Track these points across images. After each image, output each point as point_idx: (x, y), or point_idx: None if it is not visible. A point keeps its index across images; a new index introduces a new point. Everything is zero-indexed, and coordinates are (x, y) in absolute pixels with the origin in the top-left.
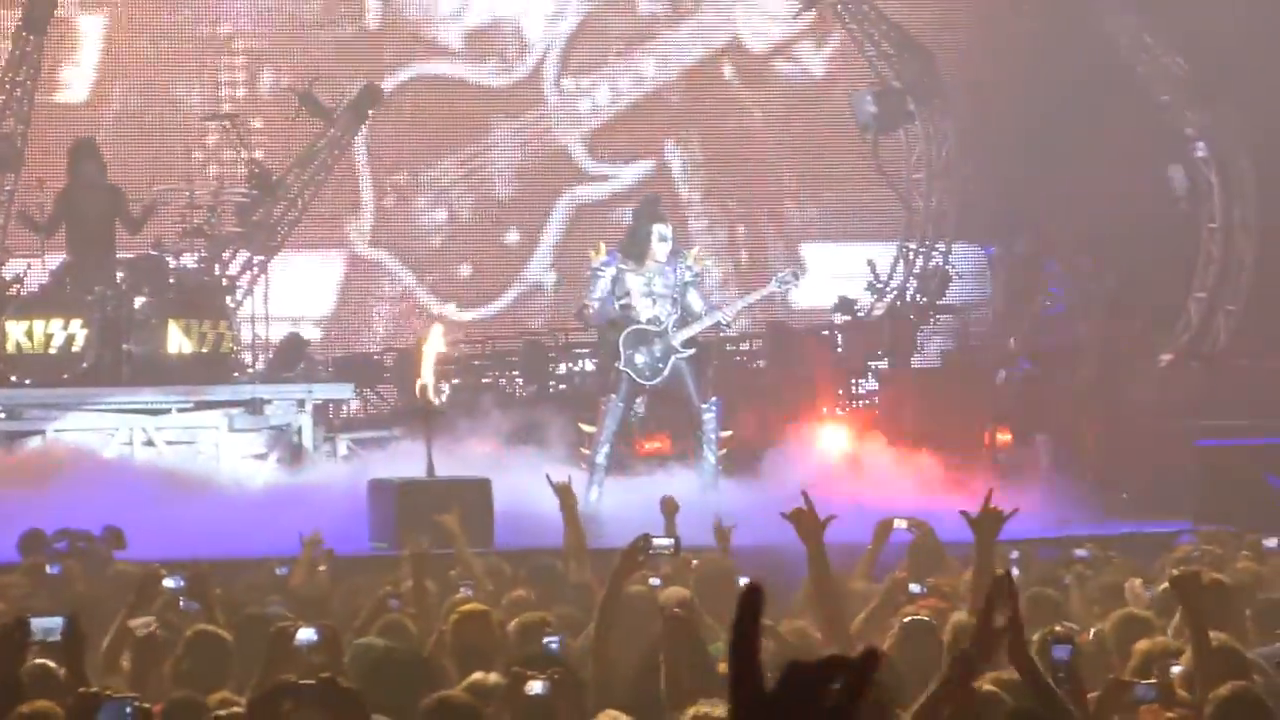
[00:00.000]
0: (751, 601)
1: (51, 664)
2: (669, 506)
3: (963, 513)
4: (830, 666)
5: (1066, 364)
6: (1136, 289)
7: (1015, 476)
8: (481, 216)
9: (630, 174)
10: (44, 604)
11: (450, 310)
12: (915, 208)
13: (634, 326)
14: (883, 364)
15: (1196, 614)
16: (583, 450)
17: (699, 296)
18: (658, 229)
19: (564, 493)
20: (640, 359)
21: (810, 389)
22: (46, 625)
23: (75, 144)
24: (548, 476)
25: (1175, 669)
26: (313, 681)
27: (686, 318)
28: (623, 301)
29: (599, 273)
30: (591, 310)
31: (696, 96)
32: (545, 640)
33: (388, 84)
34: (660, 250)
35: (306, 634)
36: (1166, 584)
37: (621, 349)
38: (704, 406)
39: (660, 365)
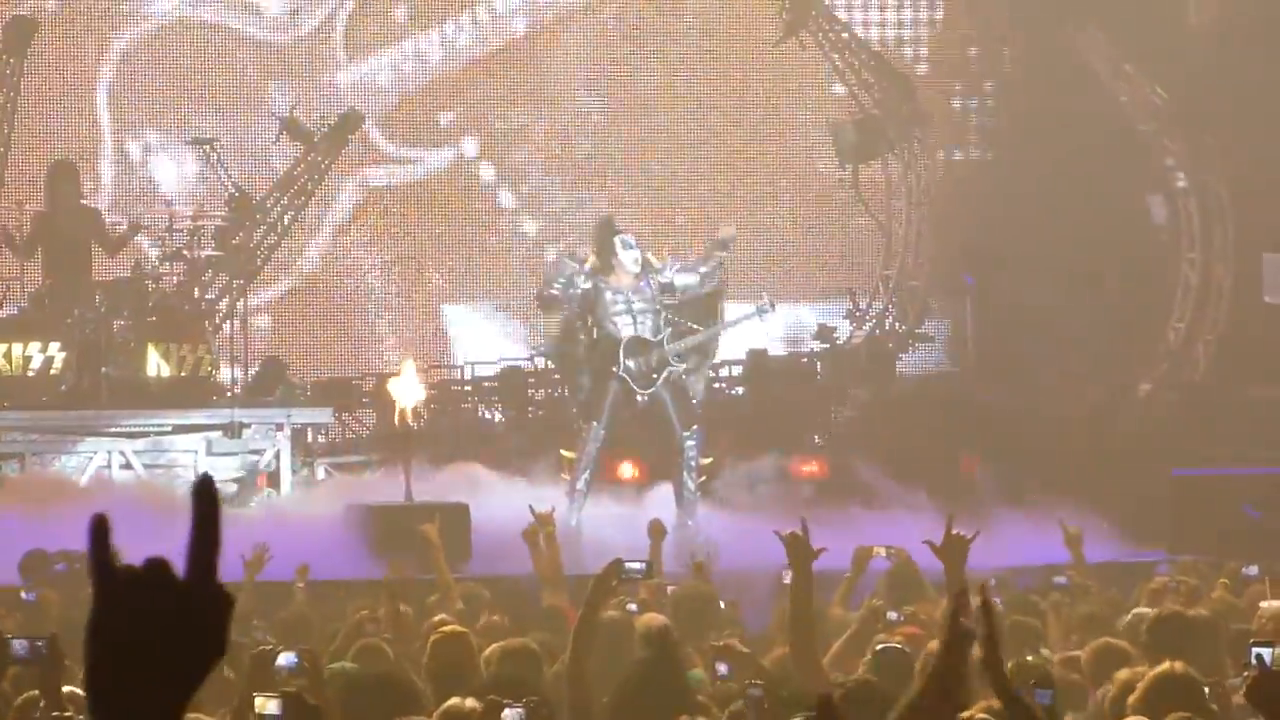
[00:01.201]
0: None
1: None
2: (657, 531)
3: (926, 541)
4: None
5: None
6: (1115, 318)
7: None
8: None
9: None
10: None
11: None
12: (894, 236)
13: (635, 334)
14: (861, 392)
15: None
16: (563, 476)
17: (688, 270)
18: (620, 239)
19: (543, 520)
20: (635, 366)
21: (790, 417)
22: (26, 646)
23: (53, 167)
24: (531, 507)
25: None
26: (277, 695)
27: (674, 333)
28: (604, 319)
29: (570, 271)
30: (554, 285)
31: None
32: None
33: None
34: (628, 259)
35: (287, 658)
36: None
37: (621, 356)
38: (686, 434)
39: (655, 375)
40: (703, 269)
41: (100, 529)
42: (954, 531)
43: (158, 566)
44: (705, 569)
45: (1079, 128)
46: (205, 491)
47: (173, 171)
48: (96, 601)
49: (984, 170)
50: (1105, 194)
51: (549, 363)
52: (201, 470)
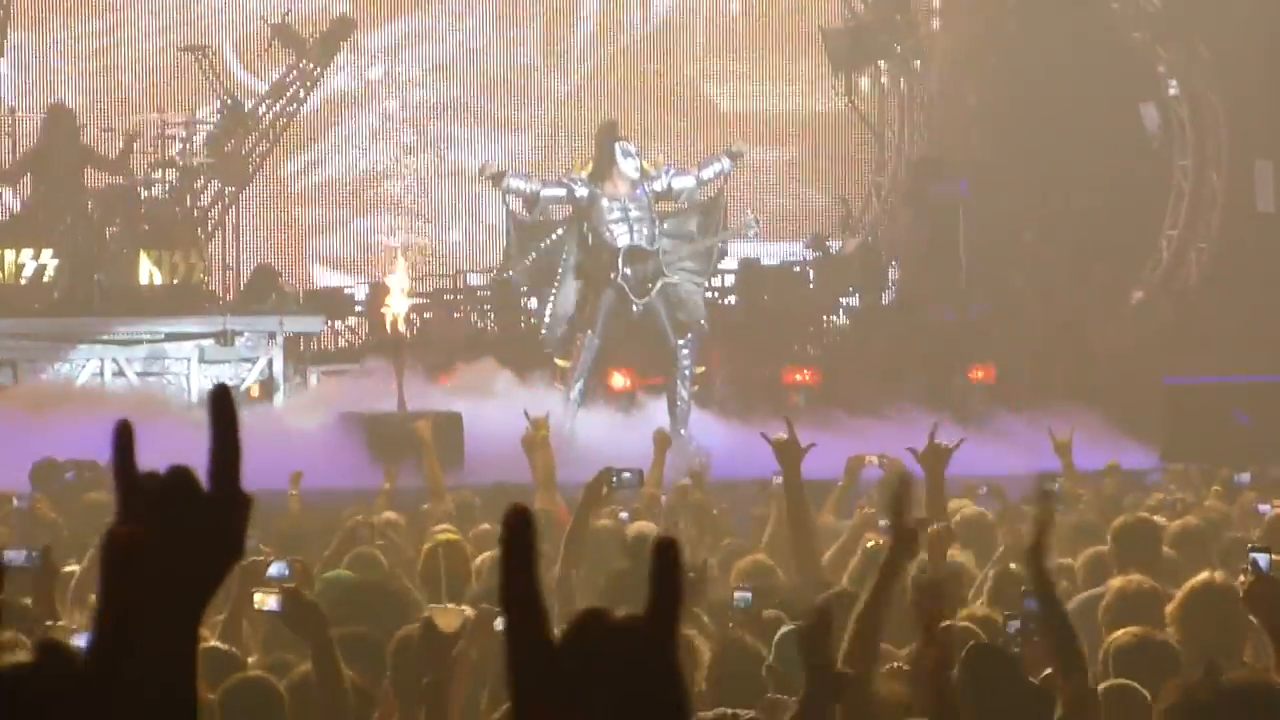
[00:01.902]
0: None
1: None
2: (661, 440)
3: (909, 449)
4: None
5: (1037, 302)
6: (1108, 226)
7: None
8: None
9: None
10: (9, 537)
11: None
12: (886, 143)
13: (630, 245)
14: (854, 300)
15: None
16: (558, 385)
17: (684, 176)
18: (619, 146)
19: (538, 424)
20: (633, 274)
21: (782, 325)
22: (18, 556)
23: (51, 111)
24: (525, 413)
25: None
26: (276, 590)
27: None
28: (600, 227)
29: (572, 182)
30: (527, 190)
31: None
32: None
33: None
34: (627, 166)
35: (278, 568)
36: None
37: (619, 264)
38: (680, 343)
39: (650, 285)
40: (704, 173)
41: (124, 436)
42: (936, 440)
43: (182, 473)
44: (700, 477)
45: (1072, 36)
46: (223, 399)
47: (165, 78)
48: (120, 508)
49: (976, 78)
50: (1098, 102)
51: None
52: (195, 376)
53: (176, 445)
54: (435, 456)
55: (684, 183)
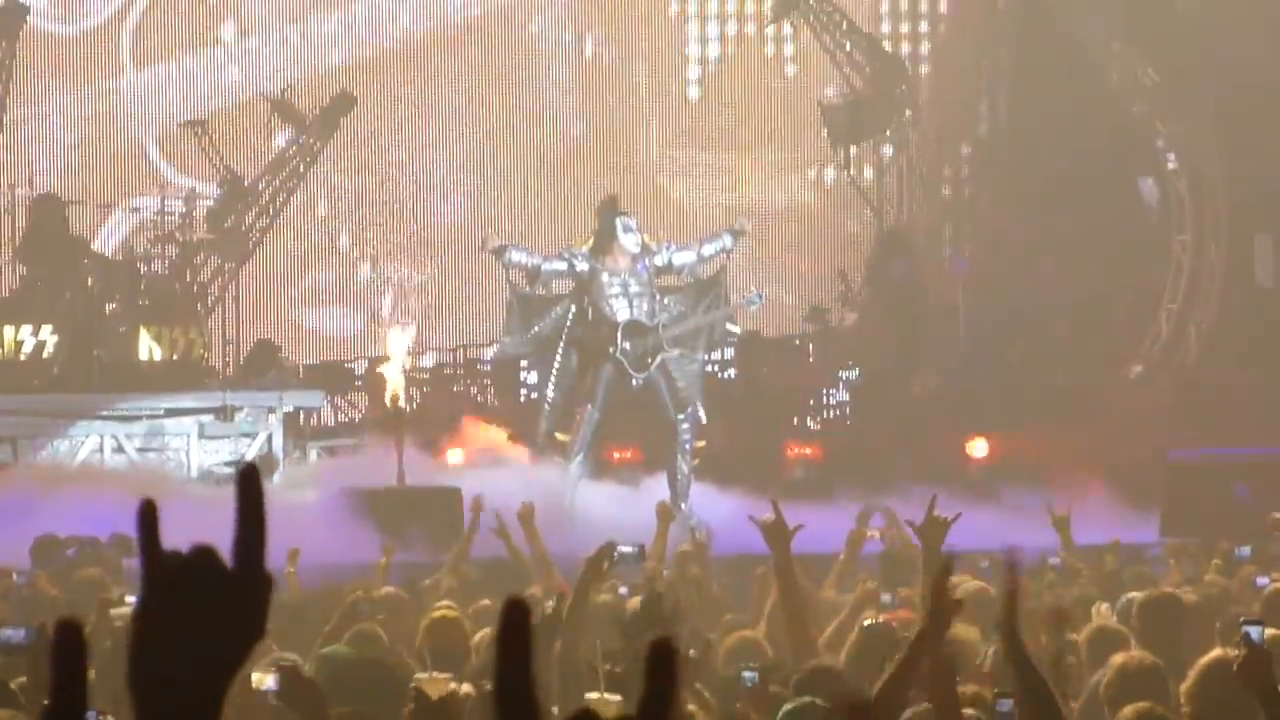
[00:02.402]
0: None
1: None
2: (664, 512)
3: (908, 521)
4: None
5: (1037, 374)
6: (1107, 300)
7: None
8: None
9: None
10: (8, 614)
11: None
12: (886, 217)
13: (629, 320)
14: (853, 374)
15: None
16: (558, 460)
17: (684, 250)
18: (620, 221)
19: (523, 518)
20: (632, 349)
21: (782, 399)
22: (16, 634)
23: (38, 202)
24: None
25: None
26: (274, 669)
27: (675, 311)
28: (600, 302)
29: (572, 256)
30: (528, 263)
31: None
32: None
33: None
34: (628, 241)
35: (268, 684)
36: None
37: (618, 339)
38: (680, 417)
39: (649, 360)
40: (705, 250)
41: (149, 515)
42: (936, 513)
43: (206, 553)
44: (701, 552)
45: (1071, 110)
46: (251, 479)
47: (166, 153)
48: (145, 588)
49: (976, 152)
50: (1097, 176)
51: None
52: (195, 452)
53: (176, 522)
54: (538, 538)
55: (684, 258)
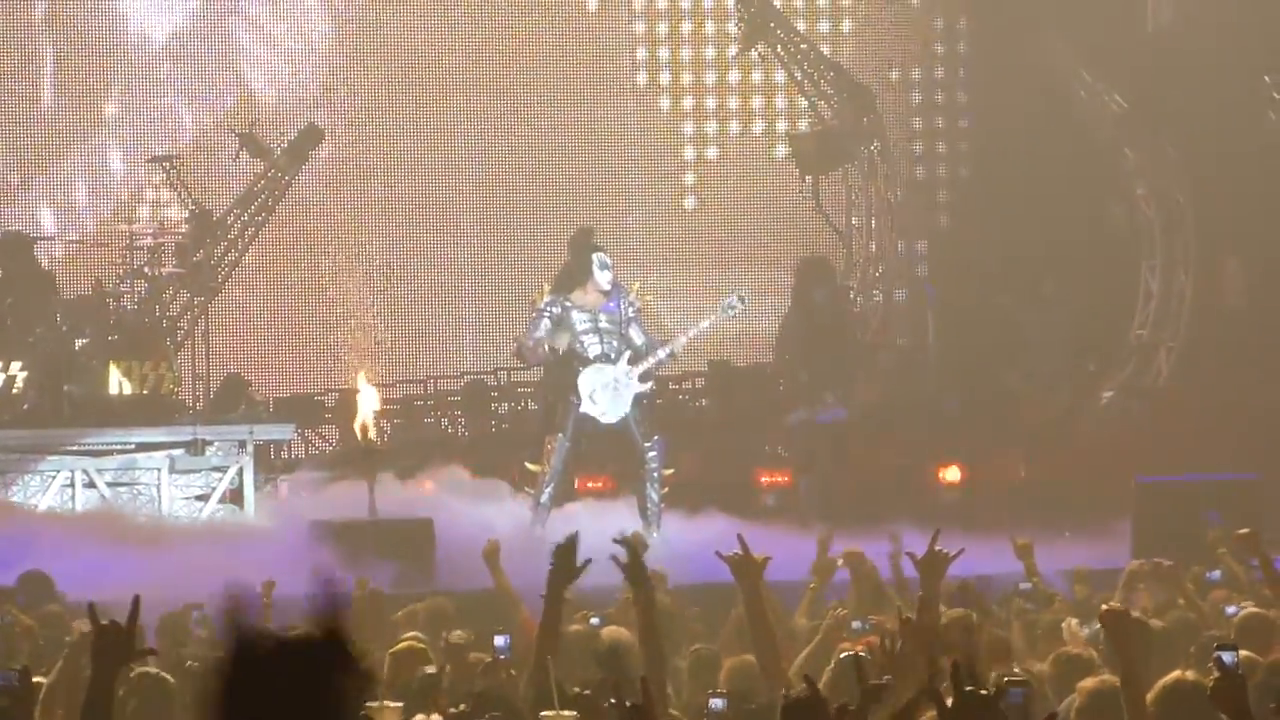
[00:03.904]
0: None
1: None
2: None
3: (909, 554)
4: None
5: (1007, 400)
6: (1077, 326)
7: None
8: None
9: None
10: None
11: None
12: (855, 247)
13: (593, 365)
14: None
15: (1125, 649)
16: (527, 490)
17: (640, 331)
18: (597, 257)
19: (488, 557)
20: (604, 397)
21: (754, 426)
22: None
23: (4, 241)
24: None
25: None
26: None
27: (634, 353)
28: (571, 340)
29: (544, 312)
30: (529, 347)
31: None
32: (495, 639)
33: None
34: (603, 279)
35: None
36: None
37: (581, 389)
38: (647, 445)
39: (622, 404)
40: (647, 345)
41: (241, 603)
42: (937, 548)
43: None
44: (662, 581)
45: (1039, 135)
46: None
47: (133, 189)
48: (229, 674)
49: (944, 179)
50: (1065, 201)
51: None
52: (166, 486)
53: (146, 555)
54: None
55: (635, 335)
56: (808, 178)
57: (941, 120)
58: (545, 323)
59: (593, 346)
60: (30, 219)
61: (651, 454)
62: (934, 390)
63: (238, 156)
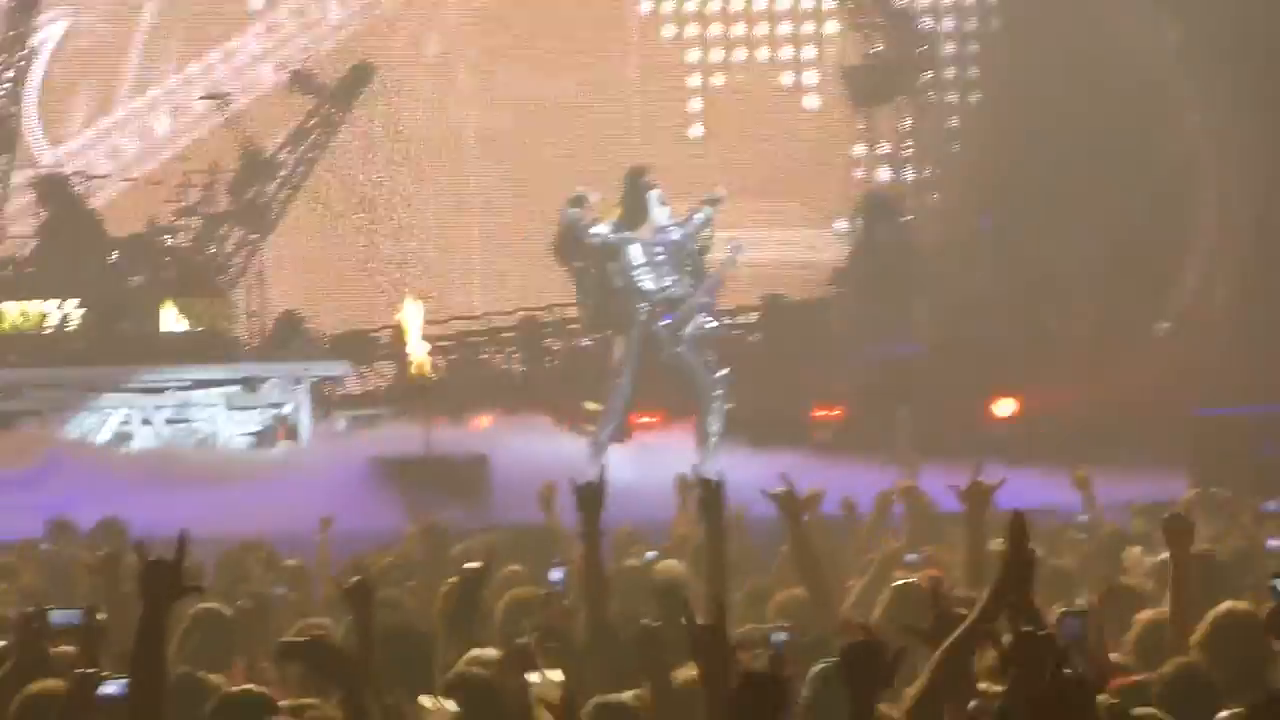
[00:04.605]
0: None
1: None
2: (684, 487)
3: (952, 486)
4: None
5: (1063, 334)
6: (1133, 258)
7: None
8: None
9: None
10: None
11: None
12: (906, 178)
13: (661, 296)
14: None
15: (1179, 560)
16: (585, 428)
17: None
18: (655, 194)
19: (543, 498)
20: (665, 327)
21: (808, 361)
22: (64, 615)
23: (45, 181)
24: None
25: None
26: (302, 640)
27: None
28: (625, 271)
29: (597, 235)
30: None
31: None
32: (550, 572)
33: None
34: (660, 215)
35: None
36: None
37: (649, 313)
38: (715, 378)
39: (680, 333)
40: (696, 220)
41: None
42: (980, 479)
43: None
44: (741, 520)
45: (1094, 67)
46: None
47: (185, 127)
48: None
49: (999, 112)
50: (1120, 134)
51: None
52: (222, 423)
53: (203, 490)
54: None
55: (685, 233)
56: (860, 110)
57: (993, 51)
58: (597, 238)
59: (648, 280)
60: (85, 159)
61: (716, 389)
62: (989, 323)
63: (290, 94)
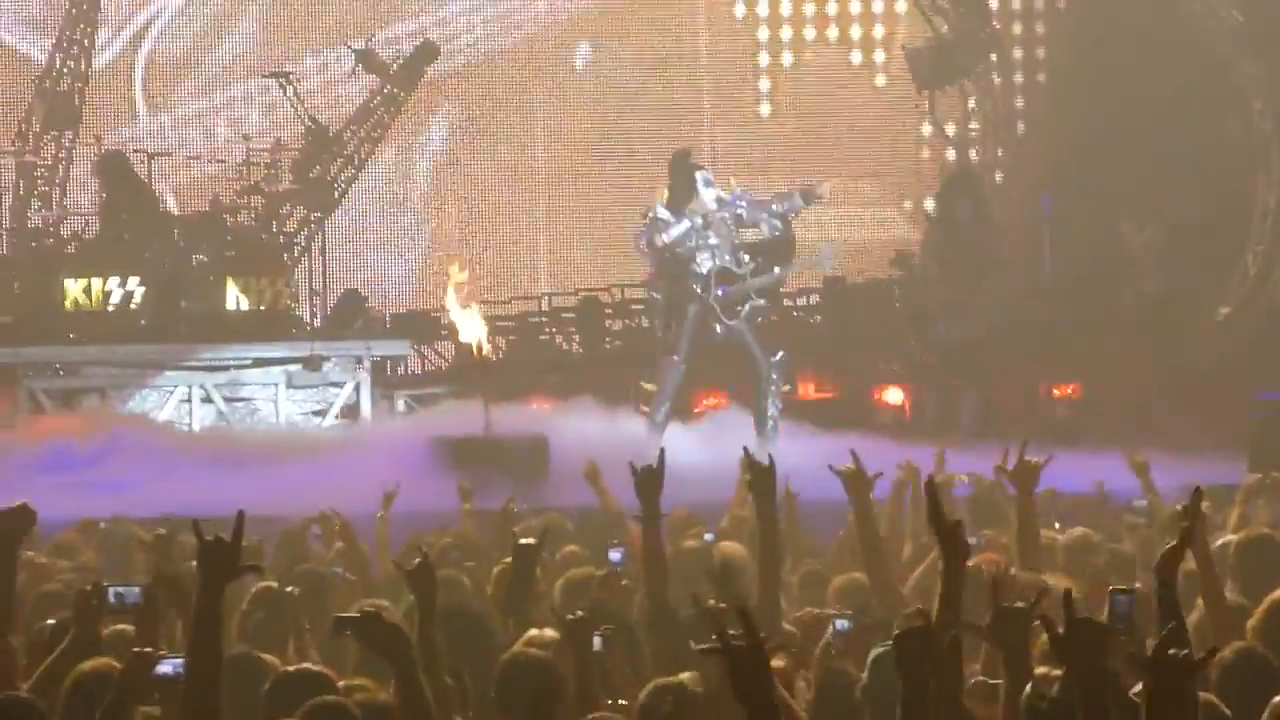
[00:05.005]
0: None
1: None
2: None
3: (998, 467)
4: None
5: (1124, 316)
6: (1194, 241)
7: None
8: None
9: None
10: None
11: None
12: (971, 162)
13: (719, 267)
14: (940, 322)
15: (1205, 567)
16: (643, 409)
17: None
18: (700, 175)
19: (589, 477)
20: (724, 296)
21: (869, 344)
22: (122, 592)
23: (103, 161)
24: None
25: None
26: (357, 614)
27: (731, 276)
28: (681, 252)
29: (668, 222)
30: (659, 247)
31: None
32: (609, 552)
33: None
34: (708, 196)
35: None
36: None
37: (711, 286)
38: (773, 360)
39: (738, 308)
40: (775, 207)
41: None
42: (1026, 457)
43: None
44: (792, 501)
45: (1155, 50)
46: None
47: (250, 104)
48: None
49: (1060, 95)
50: (1182, 117)
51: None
52: (283, 401)
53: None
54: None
55: (755, 215)
56: (924, 92)
57: (1056, 35)
58: (675, 230)
59: (705, 262)
60: (151, 138)
61: (774, 370)
62: (1049, 307)
63: (354, 73)
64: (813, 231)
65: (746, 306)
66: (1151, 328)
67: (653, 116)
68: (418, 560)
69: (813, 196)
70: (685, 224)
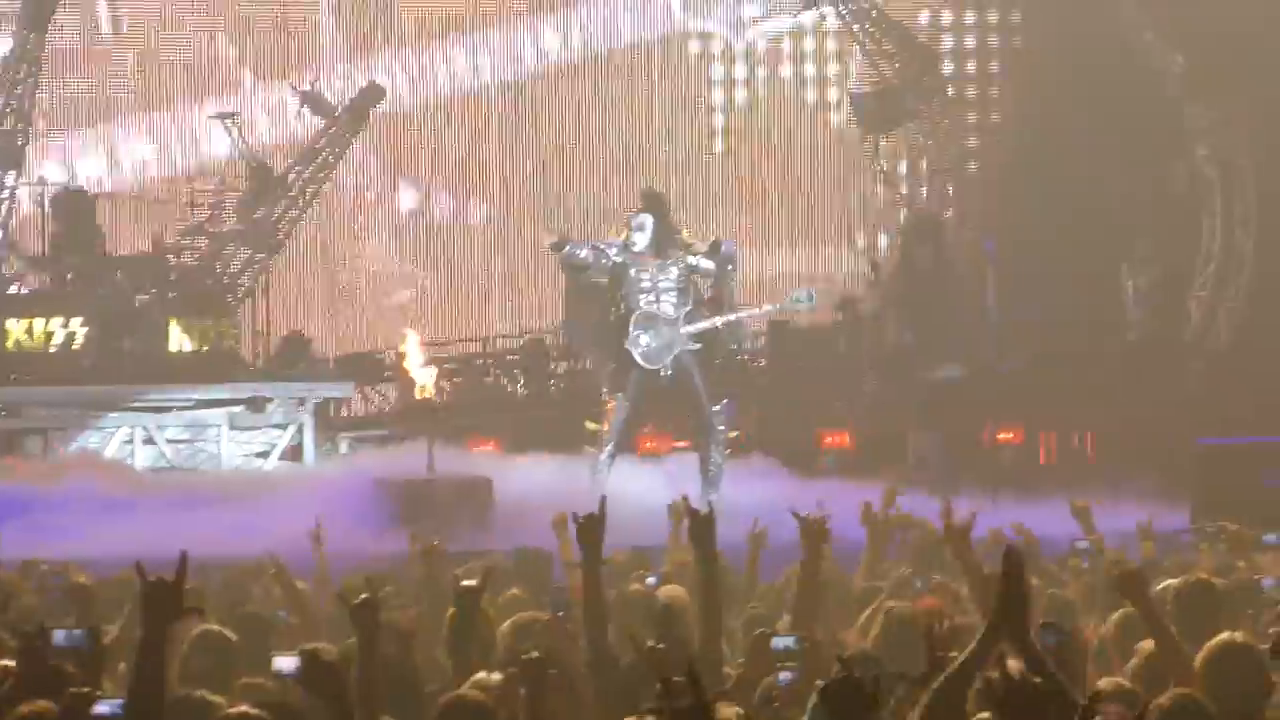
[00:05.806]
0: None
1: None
2: (678, 512)
3: (934, 528)
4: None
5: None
6: (1142, 286)
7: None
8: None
9: None
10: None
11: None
12: (915, 205)
13: (646, 310)
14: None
15: (1148, 612)
16: (588, 449)
17: (695, 291)
18: (632, 219)
19: (556, 526)
20: (646, 340)
21: (814, 387)
22: (69, 636)
23: (56, 199)
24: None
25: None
26: (294, 653)
27: (694, 314)
28: (626, 293)
29: (602, 245)
30: (576, 254)
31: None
32: (551, 599)
33: None
34: (638, 239)
35: (283, 666)
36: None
37: (630, 328)
38: (714, 409)
39: (664, 353)
40: (725, 269)
41: None
42: (950, 518)
43: None
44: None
45: (1101, 96)
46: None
47: (193, 145)
48: None
49: (1005, 139)
50: (1125, 161)
51: (565, 336)
52: (226, 443)
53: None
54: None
55: (708, 267)
56: (868, 136)
57: (1003, 79)
58: (591, 254)
59: (649, 305)
60: (90, 176)
61: (718, 416)
62: (994, 350)
63: (299, 114)
64: (769, 270)
65: (675, 351)
66: (1099, 372)
67: (606, 156)
68: (362, 597)
69: (723, 261)
70: (591, 254)
